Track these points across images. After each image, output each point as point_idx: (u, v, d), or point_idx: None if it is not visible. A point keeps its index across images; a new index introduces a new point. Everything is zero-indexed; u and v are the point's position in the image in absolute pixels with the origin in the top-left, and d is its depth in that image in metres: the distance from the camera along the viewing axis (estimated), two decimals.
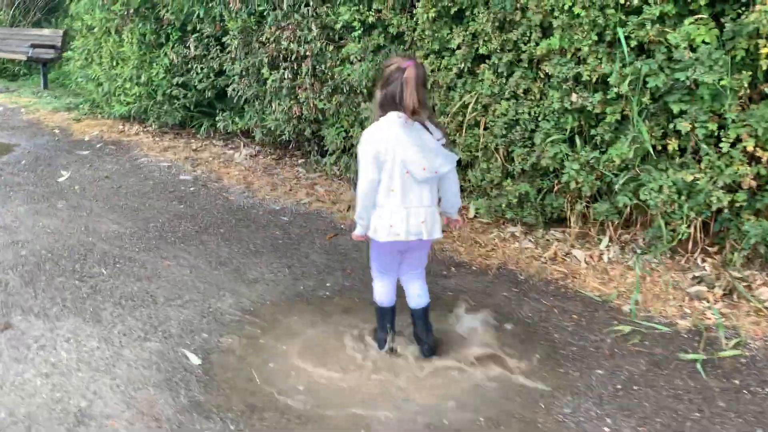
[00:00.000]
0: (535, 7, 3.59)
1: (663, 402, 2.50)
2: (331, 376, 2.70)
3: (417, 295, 2.81)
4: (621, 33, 3.33)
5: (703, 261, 3.48)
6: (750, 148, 3.13)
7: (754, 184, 3.22)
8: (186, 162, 5.88)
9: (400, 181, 2.52)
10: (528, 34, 3.70)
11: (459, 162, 3.74)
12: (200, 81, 6.28)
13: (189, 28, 6.10)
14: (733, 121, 3.18)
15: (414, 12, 4.24)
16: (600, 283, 3.46)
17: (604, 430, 2.35)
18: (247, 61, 5.60)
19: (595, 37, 3.44)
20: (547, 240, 3.96)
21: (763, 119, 3.10)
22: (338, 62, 4.86)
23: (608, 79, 3.44)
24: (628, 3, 3.31)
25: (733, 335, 2.92)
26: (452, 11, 4.04)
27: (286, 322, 3.14)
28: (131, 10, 6.42)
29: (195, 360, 2.82)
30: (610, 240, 3.81)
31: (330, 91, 4.99)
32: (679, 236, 3.42)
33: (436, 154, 2.53)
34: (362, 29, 4.59)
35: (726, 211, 3.33)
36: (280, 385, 2.65)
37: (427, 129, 2.55)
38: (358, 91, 4.76)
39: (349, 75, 4.63)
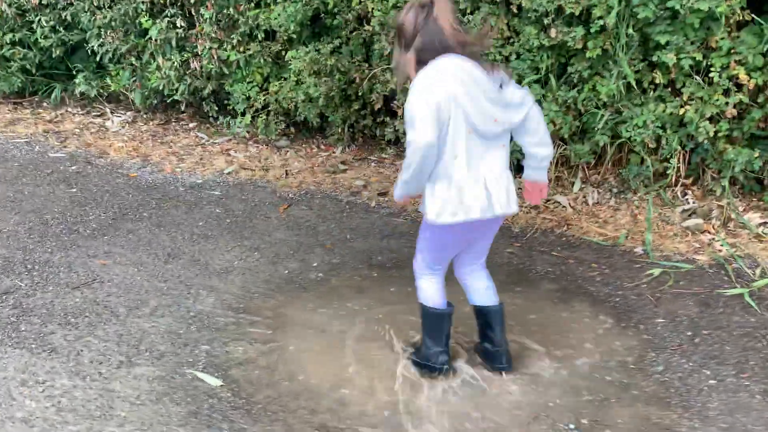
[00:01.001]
0: None
1: (740, 342, 2.42)
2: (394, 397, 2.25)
3: (487, 288, 2.28)
4: None
5: (684, 194, 3.49)
6: (742, 76, 3.11)
7: (735, 112, 3.24)
8: (49, 137, 4.85)
9: (464, 143, 1.98)
10: None
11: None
12: (44, 37, 5.16)
13: None
14: (720, 49, 3.14)
15: None
16: (598, 227, 3.33)
17: (711, 383, 2.21)
18: (117, 9, 4.67)
19: None
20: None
21: (751, 46, 3.09)
22: (252, 4, 4.18)
23: (592, 11, 3.24)
24: None
25: (753, 264, 2.93)
26: None
27: (296, 317, 2.63)
28: None
29: (213, 381, 2.24)
30: (583, 182, 3.70)
31: (239, 39, 4.31)
32: (669, 171, 3.38)
33: (504, 99, 2.03)
34: None
35: (706, 141, 3.33)
36: (337, 401, 2.17)
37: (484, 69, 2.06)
38: (280, 38, 4.15)
39: (273, 19, 3.99)
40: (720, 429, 1.99)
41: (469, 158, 2.00)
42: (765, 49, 3.09)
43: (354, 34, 3.98)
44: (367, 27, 3.89)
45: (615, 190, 3.64)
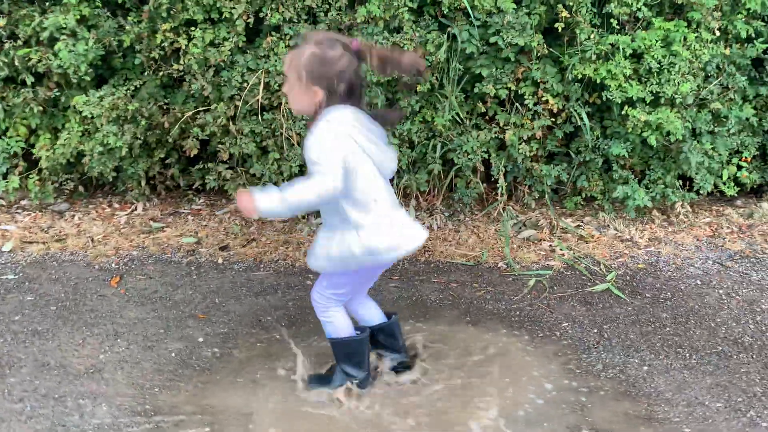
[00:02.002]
0: None
1: (635, 328, 2.75)
2: None
3: (377, 308, 2.38)
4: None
5: (504, 210, 3.85)
6: (551, 102, 3.57)
7: (540, 134, 3.70)
8: None
9: (384, 183, 2.09)
10: (333, 1, 3.33)
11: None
12: None
13: None
14: (527, 79, 3.57)
15: None
16: (456, 249, 3.49)
17: (646, 369, 2.47)
18: None
19: (411, 4, 3.35)
20: None
21: (550, 74, 3.57)
22: (21, 42, 3.43)
23: (427, 47, 3.40)
24: None
25: (594, 262, 3.37)
26: None
27: (229, 403, 2.23)
28: None
29: None
30: (416, 209, 3.84)
31: None
32: (501, 191, 3.70)
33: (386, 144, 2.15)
34: None
35: (520, 161, 3.74)
36: None
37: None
38: (61, 80, 3.49)
39: (55, 59, 3.33)
40: (683, 408, 2.24)
41: (389, 197, 2.10)
42: (560, 77, 3.60)
43: (161, 74, 3.52)
44: (176, 66, 3.48)
45: (446, 213, 3.84)
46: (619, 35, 3.44)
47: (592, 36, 3.43)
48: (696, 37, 3.44)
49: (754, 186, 4.02)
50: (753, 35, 3.63)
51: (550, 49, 3.57)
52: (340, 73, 1.95)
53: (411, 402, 2.23)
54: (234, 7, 3.32)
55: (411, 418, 2.15)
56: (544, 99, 3.58)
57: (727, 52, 3.59)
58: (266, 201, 1.91)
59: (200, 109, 3.58)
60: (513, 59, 3.50)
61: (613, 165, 3.75)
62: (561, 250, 3.49)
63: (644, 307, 2.91)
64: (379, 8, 3.29)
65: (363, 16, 3.28)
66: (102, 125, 3.44)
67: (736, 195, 3.91)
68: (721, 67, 3.69)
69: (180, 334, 2.64)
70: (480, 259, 3.38)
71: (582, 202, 3.92)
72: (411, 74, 2.07)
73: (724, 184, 3.85)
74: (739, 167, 3.88)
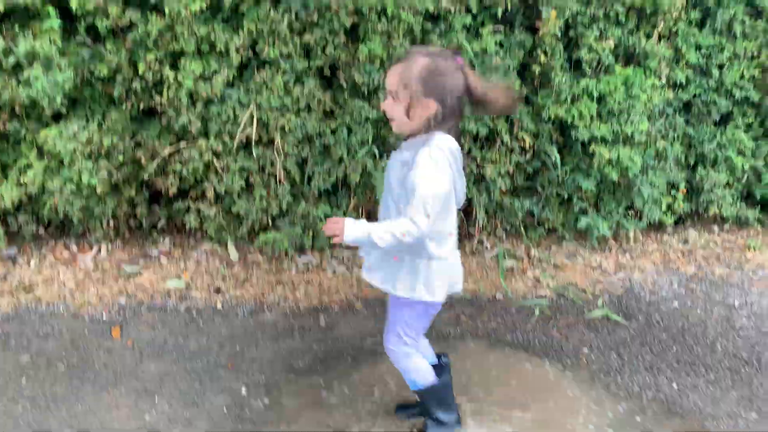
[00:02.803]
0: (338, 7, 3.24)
1: (646, 348, 2.97)
2: None
3: (429, 345, 2.31)
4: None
5: (480, 243, 4.00)
6: (527, 140, 3.79)
7: (512, 170, 3.91)
8: None
9: (455, 218, 2.04)
10: (331, 38, 3.31)
11: None
12: None
13: None
14: (505, 118, 3.77)
15: None
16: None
17: (674, 387, 2.68)
18: None
19: (408, 44, 3.41)
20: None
21: (528, 114, 3.80)
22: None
23: None
24: (435, 10, 3.42)
25: (578, 289, 3.59)
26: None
27: None
28: None
29: None
30: None
31: None
32: (482, 223, 3.84)
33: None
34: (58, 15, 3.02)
35: (496, 194, 3.91)
36: None
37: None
38: (30, 114, 3.14)
39: (27, 87, 3.00)
40: (727, 420, 2.46)
41: (456, 234, 2.05)
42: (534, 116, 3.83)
43: (130, 107, 3.28)
44: (158, 99, 3.27)
45: (500, 247, 3.92)
46: (588, 79, 3.73)
47: (564, 79, 3.69)
48: (651, 84, 3.82)
49: (682, 215, 4.50)
50: (684, 82, 4.10)
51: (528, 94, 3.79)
52: (453, 86, 1.84)
53: None
54: (231, 39, 3.19)
55: None
56: (520, 136, 3.79)
57: (671, 96, 4.03)
58: (355, 230, 1.84)
59: (182, 144, 3.37)
60: None
61: (573, 198, 4.03)
62: (544, 278, 3.67)
63: (643, 330, 3.15)
64: (380, 47, 3.32)
65: (364, 54, 3.29)
66: (70, 161, 3.13)
67: (672, 224, 4.35)
68: (661, 109, 4.12)
69: (218, 386, 2.46)
70: (478, 292, 3.46)
71: (544, 234, 4.15)
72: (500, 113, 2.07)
73: (665, 213, 4.27)
74: (675, 198, 4.32)
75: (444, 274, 2.00)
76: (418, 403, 2.28)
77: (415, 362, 2.12)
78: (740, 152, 4.32)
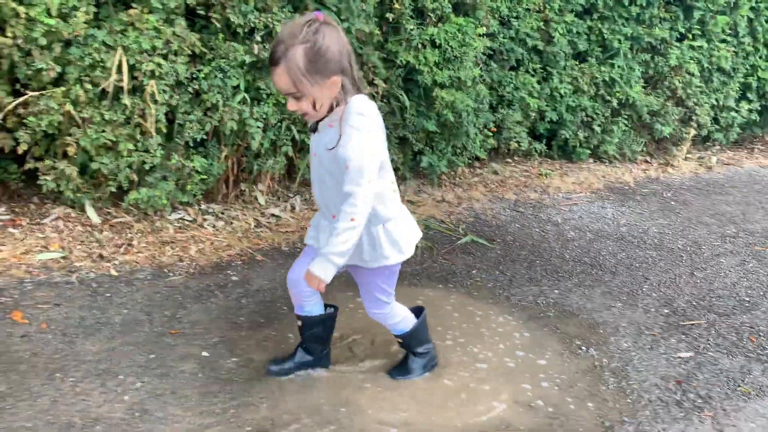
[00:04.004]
0: None
1: (527, 263, 3.48)
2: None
3: (320, 300, 2.28)
4: None
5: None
6: (382, 85, 3.99)
7: None
8: None
9: (392, 172, 2.02)
10: None
11: None
12: None
13: None
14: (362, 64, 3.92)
15: None
16: None
17: (556, 293, 3.22)
18: None
19: None
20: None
21: (380, 59, 4.00)
22: None
23: None
24: None
25: (436, 221, 3.98)
26: None
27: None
28: None
29: None
30: (268, 192, 3.86)
31: None
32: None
33: None
34: None
35: None
36: None
37: None
38: None
39: None
40: (607, 312, 3.05)
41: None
42: None
43: None
44: (2, 39, 2.76)
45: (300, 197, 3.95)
46: (433, 27, 4.04)
47: (414, 27, 3.95)
48: (480, 33, 4.28)
49: (487, 150, 5.15)
50: (496, 31, 4.65)
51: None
52: (339, 49, 1.76)
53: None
54: None
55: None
56: (375, 82, 3.97)
57: (488, 43, 4.54)
58: (326, 268, 1.84)
59: (34, 93, 2.89)
60: (356, 46, 3.78)
61: (410, 139, 4.38)
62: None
63: (505, 249, 3.65)
64: None
65: None
66: None
67: (485, 158, 4.97)
68: (478, 56, 4.64)
69: (176, 354, 2.31)
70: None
71: None
72: None
73: (480, 149, 4.86)
74: (486, 136, 4.93)
75: (403, 229, 2.02)
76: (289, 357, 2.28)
77: (399, 314, 2.21)
78: (530, 94, 5.05)
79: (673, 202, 4.76)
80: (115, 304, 2.57)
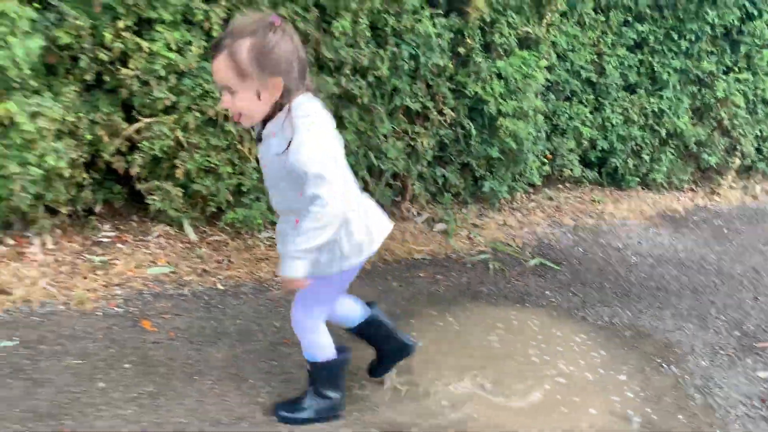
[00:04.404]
0: None
1: (595, 285, 3.64)
2: None
3: (355, 301, 2.25)
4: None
5: (407, 208, 4.36)
6: (450, 114, 4.21)
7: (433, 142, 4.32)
8: None
9: (346, 167, 1.89)
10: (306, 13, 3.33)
11: None
12: None
13: None
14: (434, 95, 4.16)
15: None
16: (403, 245, 3.86)
17: (628, 314, 3.37)
18: None
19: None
20: None
21: (449, 90, 4.22)
22: None
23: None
24: None
25: (503, 244, 4.16)
26: None
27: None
28: None
29: None
30: None
31: None
32: (415, 192, 4.19)
33: None
34: None
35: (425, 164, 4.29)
36: None
37: None
38: None
39: None
40: (683, 333, 3.20)
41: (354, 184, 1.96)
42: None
43: (109, 80, 2.99)
44: (124, 71, 3.01)
45: None
46: (501, 61, 4.26)
47: (482, 60, 4.18)
48: (541, 66, 4.49)
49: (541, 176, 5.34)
50: (554, 64, 4.86)
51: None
52: (287, 51, 1.72)
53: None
54: (211, 9, 3.05)
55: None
56: (444, 111, 4.19)
57: (548, 75, 4.76)
58: (297, 267, 1.78)
59: (147, 120, 3.14)
60: (429, 77, 4.01)
61: (472, 165, 4.58)
62: (475, 237, 4.17)
63: (573, 272, 3.81)
64: (349, 24, 3.43)
65: (338, 30, 3.38)
66: (39, 142, 2.77)
67: (540, 184, 5.16)
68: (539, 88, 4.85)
69: (294, 362, 2.50)
70: (433, 252, 3.83)
71: (452, 198, 4.65)
72: None
73: (537, 176, 5.05)
74: (543, 163, 5.12)
75: (361, 225, 1.91)
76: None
77: (316, 337, 2.07)
78: (583, 123, 5.25)
79: (725, 230, 4.90)
80: (228, 315, 2.77)
